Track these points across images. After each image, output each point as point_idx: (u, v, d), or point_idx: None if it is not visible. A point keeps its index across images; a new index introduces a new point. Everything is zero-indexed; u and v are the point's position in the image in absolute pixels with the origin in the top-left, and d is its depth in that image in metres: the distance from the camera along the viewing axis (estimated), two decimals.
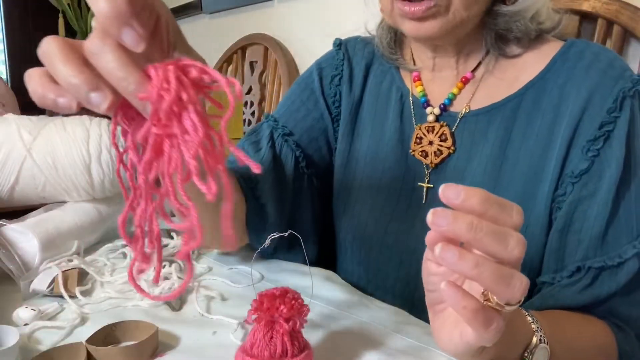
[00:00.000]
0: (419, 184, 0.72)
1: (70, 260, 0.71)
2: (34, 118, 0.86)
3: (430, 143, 0.71)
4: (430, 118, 0.72)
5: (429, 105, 0.74)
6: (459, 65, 0.72)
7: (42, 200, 0.84)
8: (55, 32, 2.92)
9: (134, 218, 0.36)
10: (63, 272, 0.65)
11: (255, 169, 0.33)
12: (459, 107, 0.71)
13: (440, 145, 0.70)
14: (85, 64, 0.33)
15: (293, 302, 0.45)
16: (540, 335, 0.48)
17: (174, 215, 0.44)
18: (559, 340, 0.51)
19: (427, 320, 0.48)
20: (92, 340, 0.51)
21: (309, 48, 1.79)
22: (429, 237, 0.38)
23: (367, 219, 0.75)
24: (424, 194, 0.72)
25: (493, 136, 0.68)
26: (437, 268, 0.42)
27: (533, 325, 0.49)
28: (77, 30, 2.88)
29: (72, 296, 0.63)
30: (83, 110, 0.35)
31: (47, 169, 0.80)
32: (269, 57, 1.86)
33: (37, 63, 0.34)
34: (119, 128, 0.36)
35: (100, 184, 0.83)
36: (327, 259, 0.82)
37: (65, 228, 0.76)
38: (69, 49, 0.33)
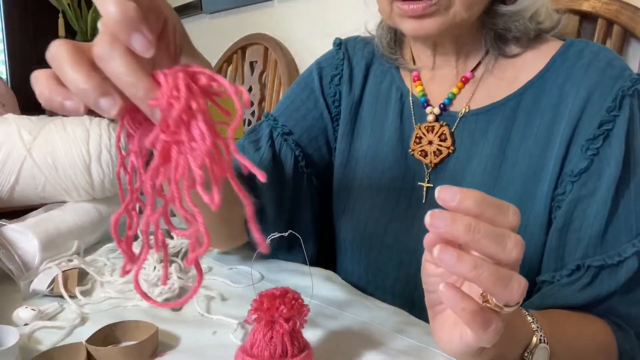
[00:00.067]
0: (419, 183, 0.72)
1: (70, 260, 0.71)
2: (34, 118, 0.86)
3: (430, 143, 0.71)
4: (430, 118, 0.72)
5: (428, 105, 0.74)
6: (458, 65, 0.72)
7: (42, 200, 0.84)
8: (55, 32, 2.92)
9: (141, 223, 0.36)
10: (63, 272, 0.65)
11: (261, 177, 0.33)
12: (459, 106, 0.71)
13: (440, 145, 0.70)
14: (94, 68, 0.33)
15: (293, 302, 0.45)
16: (540, 335, 0.48)
17: (173, 216, 0.44)
18: (559, 339, 0.51)
19: (427, 320, 0.48)
20: (92, 340, 0.51)
21: (309, 48, 1.79)
22: (427, 238, 0.39)
23: (366, 219, 0.76)
24: (424, 193, 0.72)
25: (493, 136, 0.68)
26: (436, 269, 0.42)
27: (533, 325, 0.49)
28: (77, 30, 2.88)
29: (72, 296, 0.63)
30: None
31: (47, 169, 0.80)
32: (269, 57, 1.86)
33: (37, 63, 0.34)
34: (123, 131, 0.36)
35: (100, 184, 0.83)
36: (327, 259, 0.82)
37: (65, 228, 0.76)
38: (77, 52, 0.33)
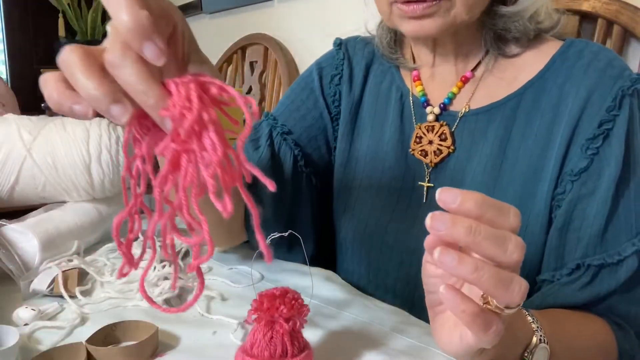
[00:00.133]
0: (419, 183, 0.72)
1: (70, 260, 0.71)
2: (34, 118, 0.86)
3: (430, 142, 0.71)
4: (430, 117, 0.72)
5: (428, 104, 0.74)
6: (458, 64, 0.72)
7: (42, 200, 0.84)
8: (55, 32, 2.92)
9: (148, 229, 0.36)
10: (63, 272, 0.65)
11: (271, 187, 0.33)
12: (459, 106, 0.71)
13: (440, 145, 0.70)
14: (105, 74, 0.33)
15: (293, 302, 0.45)
16: (540, 335, 0.48)
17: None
18: (559, 339, 0.51)
19: (427, 320, 0.48)
20: (92, 340, 0.51)
21: (309, 48, 1.79)
22: (428, 240, 0.38)
23: (367, 219, 0.76)
24: (424, 193, 0.72)
25: (493, 135, 0.68)
26: (436, 270, 0.42)
27: (533, 325, 0.49)
28: (77, 30, 2.87)
29: (72, 296, 0.63)
30: None
31: (47, 169, 0.80)
32: (269, 57, 1.86)
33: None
34: (130, 136, 0.36)
35: (100, 184, 0.83)
36: (327, 259, 0.82)
37: (65, 228, 0.76)
38: (88, 58, 0.33)
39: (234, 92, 0.34)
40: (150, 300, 0.38)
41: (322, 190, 0.81)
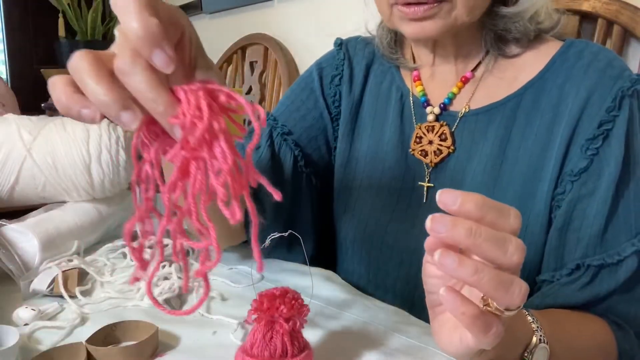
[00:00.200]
0: (419, 183, 0.72)
1: (70, 260, 0.71)
2: (34, 118, 0.86)
3: (430, 142, 0.71)
4: (430, 117, 0.72)
5: (428, 104, 0.74)
6: (458, 65, 0.72)
7: (42, 200, 0.84)
8: (55, 32, 2.92)
9: (145, 234, 0.37)
10: (63, 272, 0.65)
11: (277, 196, 0.34)
12: (459, 106, 0.72)
13: (440, 145, 0.70)
14: (114, 80, 0.33)
15: (293, 302, 0.45)
16: (540, 335, 0.48)
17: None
18: (559, 339, 0.51)
19: (427, 320, 0.48)
20: (92, 340, 0.51)
21: (309, 48, 1.79)
22: (428, 242, 0.38)
23: (367, 219, 0.76)
24: (424, 193, 0.72)
25: (493, 135, 0.68)
26: (436, 270, 0.42)
27: (533, 325, 0.49)
28: (77, 30, 2.87)
29: (72, 296, 0.63)
30: None
31: (47, 169, 0.80)
32: (269, 57, 1.86)
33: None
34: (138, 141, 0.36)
35: (100, 184, 0.83)
36: (327, 258, 0.82)
37: (65, 228, 0.76)
38: (98, 64, 0.33)
39: (242, 100, 0.35)
40: (157, 303, 0.39)
41: (322, 191, 0.81)
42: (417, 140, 0.72)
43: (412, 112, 0.75)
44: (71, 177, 0.81)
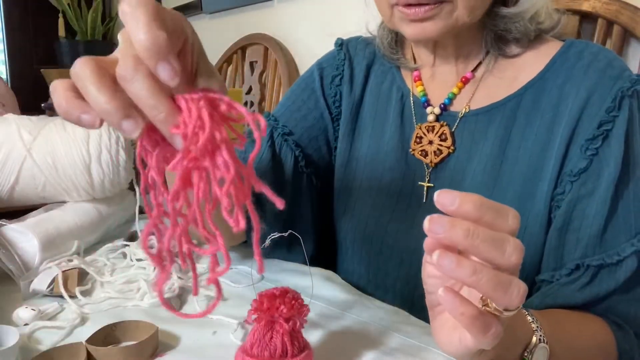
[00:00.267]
0: (419, 183, 0.72)
1: (70, 260, 0.71)
2: (34, 118, 0.86)
3: (430, 142, 0.71)
4: (431, 118, 0.72)
5: (429, 105, 0.74)
6: (458, 65, 0.72)
7: (42, 200, 0.84)
8: (55, 32, 2.92)
9: (162, 240, 0.37)
10: (63, 272, 0.65)
11: (279, 205, 0.34)
12: (459, 106, 0.72)
13: (440, 145, 0.70)
14: (116, 88, 0.33)
15: (293, 302, 0.45)
16: (540, 335, 0.48)
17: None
18: (559, 339, 0.51)
19: (427, 320, 0.48)
20: (92, 340, 0.51)
21: (309, 48, 1.79)
22: (427, 243, 0.38)
23: (367, 219, 0.76)
24: (424, 193, 0.72)
25: (493, 136, 0.68)
26: (436, 271, 0.42)
27: (533, 325, 0.49)
28: (77, 30, 2.87)
29: (72, 296, 0.63)
30: None
31: (47, 169, 0.80)
32: (269, 57, 1.86)
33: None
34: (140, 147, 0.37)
35: (100, 184, 0.83)
36: (327, 259, 0.82)
37: (65, 228, 0.76)
38: (100, 71, 0.33)
39: (243, 109, 0.35)
40: (168, 306, 0.39)
41: (323, 191, 0.81)
42: (417, 140, 0.72)
43: (413, 112, 0.75)
44: (71, 177, 0.81)
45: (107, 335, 0.53)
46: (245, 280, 0.69)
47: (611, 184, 0.60)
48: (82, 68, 0.33)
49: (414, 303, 0.69)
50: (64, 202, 0.85)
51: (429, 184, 0.72)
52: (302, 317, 0.45)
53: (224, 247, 0.35)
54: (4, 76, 3.05)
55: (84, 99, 0.34)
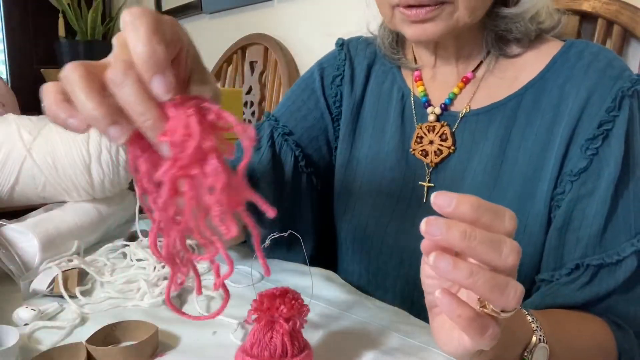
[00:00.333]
0: (420, 183, 0.72)
1: (70, 260, 0.71)
2: (34, 118, 0.86)
3: (431, 142, 0.71)
4: (431, 118, 0.72)
5: (429, 105, 0.74)
6: (459, 65, 0.72)
7: (42, 200, 0.84)
8: (55, 32, 2.92)
9: (165, 246, 0.37)
10: (63, 272, 0.65)
11: (271, 213, 0.34)
12: (460, 106, 0.72)
13: (441, 145, 0.71)
14: (105, 94, 0.33)
15: (293, 302, 0.45)
16: (540, 335, 0.48)
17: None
18: (559, 339, 0.51)
19: (426, 320, 0.48)
20: (92, 340, 0.51)
21: (309, 48, 1.79)
22: (424, 244, 0.38)
23: (367, 219, 0.76)
24: (425, 193, 0.72)
25: (493, 135, 0.68)
26: (434, 272, 0.42)
27: (532, 325, 0.49)
28: (77, 30, 2.87)
29: (72, 296, 0.63)
30: None
31: (47, 169, 0.80)
32: (269, 57, 1.86)
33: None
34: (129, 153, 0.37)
35: (100, 184, 0.83)
36: (327, 259, 0.82)
37: (65, 228, 0.76)
38: (89, 77, 0.33)
39: (232, 119, 0.35)
40: (176, 309, 0.40)
41: (323, 191, 0.81)
42: (418, 140, 0.72)
43: (413, 112, 0.75)
44: (71, 177, 0.81)
45: (107, 335, 0.53)
46: (245, 280, 0.69)
47: (611, 183, 0.60)
48: (72, 73, 0.33)
49: (414, 303, 0.69)
50: (64, 202, 0.85)
51: (430, 184, 0.72)
52: (302, 317, 0.45)
53: (225, 251, 0.35)
54: (4, 76, 3.05)
55: (72, 102, 0.34)
